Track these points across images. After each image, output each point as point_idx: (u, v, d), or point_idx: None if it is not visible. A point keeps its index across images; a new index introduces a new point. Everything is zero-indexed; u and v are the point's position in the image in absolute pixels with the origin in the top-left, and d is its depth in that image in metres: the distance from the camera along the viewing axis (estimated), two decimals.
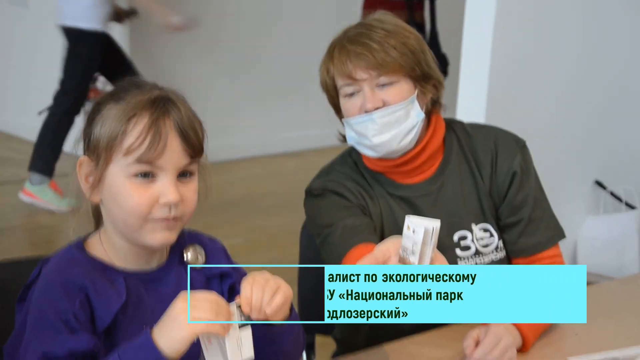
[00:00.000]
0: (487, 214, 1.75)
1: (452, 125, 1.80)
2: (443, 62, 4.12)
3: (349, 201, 1.71)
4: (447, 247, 1.70)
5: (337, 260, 1.63)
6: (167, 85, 1.36)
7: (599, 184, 3.38)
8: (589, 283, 2.71)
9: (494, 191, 1.76)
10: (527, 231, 1.75)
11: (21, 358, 1.25)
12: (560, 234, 1.79)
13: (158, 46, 5.23)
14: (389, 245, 1.35)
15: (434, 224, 1.30)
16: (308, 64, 1.79)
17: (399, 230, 1.72)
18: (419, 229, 1.29)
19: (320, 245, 1.71)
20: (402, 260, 1.32)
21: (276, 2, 5.69)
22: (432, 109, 1.75)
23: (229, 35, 5.53)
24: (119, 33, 5.20)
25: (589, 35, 3.18)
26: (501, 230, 1.77)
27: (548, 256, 1.76)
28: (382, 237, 1.72)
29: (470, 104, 2.94)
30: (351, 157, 1.80)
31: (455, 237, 1.73)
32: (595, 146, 3.33)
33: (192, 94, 1.40)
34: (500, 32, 2.88)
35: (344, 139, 1.78)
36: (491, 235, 1.75)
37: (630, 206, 3.36)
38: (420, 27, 4.17)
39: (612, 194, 3.37)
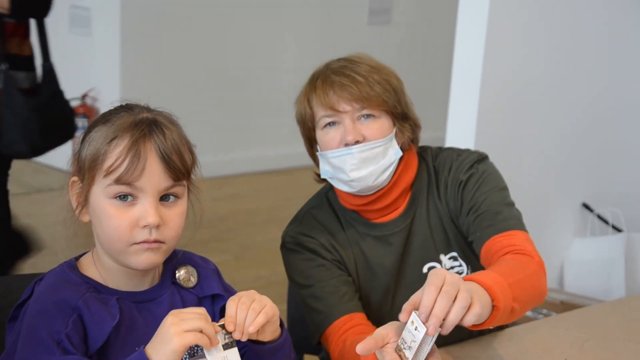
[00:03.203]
0: (452, 243, 1.75)
1: (423, 154, 1.81)
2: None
3: (324, 258, 1.72)
4: (417, 280, 1.70)
5: (322, 329, 1.65)
6: (160, 108, 1.37)
7: (586, 206, 3.40)
8: (576, 306, 2.74)
9: (452, 211, 1.75)
10: (496, 218, 1.67)
11: None
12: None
13: (149, 61, 5.23)
14: (389, 330, 1.36)
15: (424, 329, 1.30)
16: (298, 82, 1.80)
17: (371, 272, 1.74)
18: (421, 330, 1.30)
19: (301, 303, 1.72)
20: (398, 350, 1.33)
21: (266, 22, 5.71)
22: (407, 147, 1.75)
23: (217, 53, 5.54)
24: (110, 49, 5.20)
25: (577, 58, 3.20)
26: (469, 239, 1.73)
27: (523, 238, 1.64)
28: (358, 282, 1.74)
29: (460, 128, 2.95)
30: (327, 197, 1.80)
31: (425, 269, 1.74)
32: (582, 169, 3.35)
33: (180, 111, 1.41)
34: (491, 55, 2.90)
35: (318, 177, 1.78)
36: (460, 264, 1.75)
37: (617, 229, 3.38)
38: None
39: (599, 216, 3.39)
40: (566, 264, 3.33)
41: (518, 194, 1.79)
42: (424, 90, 5.22)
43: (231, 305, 1.27)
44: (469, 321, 1.31)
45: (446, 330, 1.31)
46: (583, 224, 3.40)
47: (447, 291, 1.29)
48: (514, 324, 1.96)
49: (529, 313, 2.85)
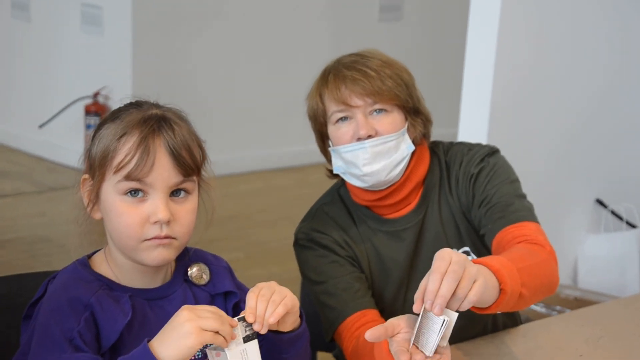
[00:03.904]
0: (464, 237, 1.74)
1: (435, 149, 1.80)
2: None
3: (337, 255, 1.71)
4: None
5: (335, 326, 1.65)
6: (170, 104, 1.37)
7: (600, 202, 3.38)
8: (590, 302, 2.72)
9: (463, 205, 1.74)
10: (507, 210, 1.66)
11: None
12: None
13: (161, 60, 5.24)
14: (401, 320, 1.35)
15: (449, 317, 1.29)
16: (309, 79, 1.79)
17: (384, 268, 1.74)
18: (430, 316, 1.29)
19: (314, 300, 1.72)
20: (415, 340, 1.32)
21: (277, 20, 5.71)
22: (419, 142, 1.75)
23: (229, 51, 5.54)
24: (122, 47, 5.22)
25: (592, 55, 3.19)
26: (481, 232, 1.72)
27: (534, 229, 1.63)
28: (371, 278, 1.73)
29: (472, 124, 2.94)
30: (339, 193, 1.80)
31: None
32: (596, 164, 3.33)
33: (192, 109, 1.41)
34: (503, 52, 2.88)
35: (330, 173, 1.78)
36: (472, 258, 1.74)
37: (631, 225, 3.35)
38: None
39: (613, 212, 3.37)
40: (580, 260, 3.32)
41: (531, 190, 1.78)
42: (436, 87, 5.21)
43: (251, 297, 1.27)
44: (471, 296, 1.30)
45: (453, 307, 1.29)
46: (597, 219, 3.38)
47: (454, 271, 1.28)
48: (527, 320, 1.95)
49: (542, 310, 2.84)
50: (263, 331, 1.26)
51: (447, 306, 1.29)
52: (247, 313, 1.26)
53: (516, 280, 1.42)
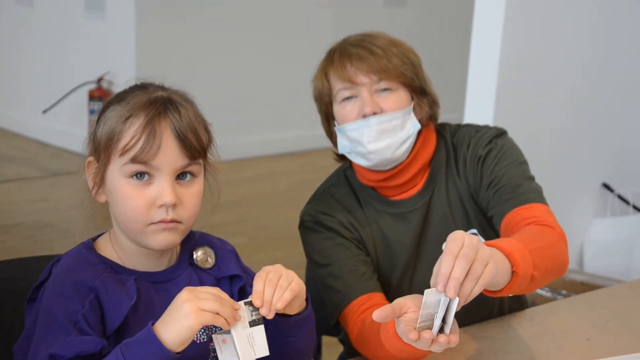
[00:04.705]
0: (472, 220, 1.73)
1: (441, 131, 1.79)
2: None
3: (343, 237, 1.70)
4: (436, 257, 1.67)
5: (340, 309, 1.64)
6: (175, 86, 1.36)
7: (606, 186, 3.36)
8: (597, 287, 2.71)
9: (471, 187, 1.73)
10: (516, 191, 1.65)
11: (31, 358, 1.24)
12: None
13: (165, 44, 5.22)
14: (408, 300, 1.34)
15: (447, 299, 1.28)
16: (313, 64, 1.78)
17: (390, 250, 1.73)
18: (441, 298, 1.28)
19: (319, 282, 1.71)
20: (420, 329, 1.31)
21: (282, 4, 5.68)
22: (425, 123, 1.73)
23: (233, 35, 5.52)
24: (125, 32, 5.20)
25: (598, 38, 3.16)
26: (489, 214, 1.71)
27: (543, 211, 1.62)
28: (377, 261, 1.73)
29: (478, 108, 2.92)
30: (345, 175, 1.79)
31: (444, 246, 1.72)
32: (602, 149, 3.32)
33: (196, 94, 1.40)
34: (509, 35, 2.86)
35: (337, 157, 1.77)
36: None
37: (638, 209, 3.34)
38: None
39: (620, 196, 3.35)
40: (586, 244, 3.31)
41: (537, 174, 1.77)
42: (440, 72, 5.18)
43: (258, 281, 1.26)
44: (483, 279, 1.28)
45: (466, 290, 1.27)
46: (603, 204, 3.37)
47: (466, 254, 1.27)
48: (533, 304, 1.95)
49: (548, 294, 2.83)
50: (270, 316, 1.26)
51: (460, 288, 1.28)
52: (254, 297, 1.25)
53: (528, 262, 1.41)
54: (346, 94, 1.65)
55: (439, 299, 1.28)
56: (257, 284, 1.26)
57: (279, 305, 1.25)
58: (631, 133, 3.38)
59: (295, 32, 5.80)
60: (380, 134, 1.64)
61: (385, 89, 1.65)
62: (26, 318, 1.33)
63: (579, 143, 3.22)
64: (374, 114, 1.64)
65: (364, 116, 1.64)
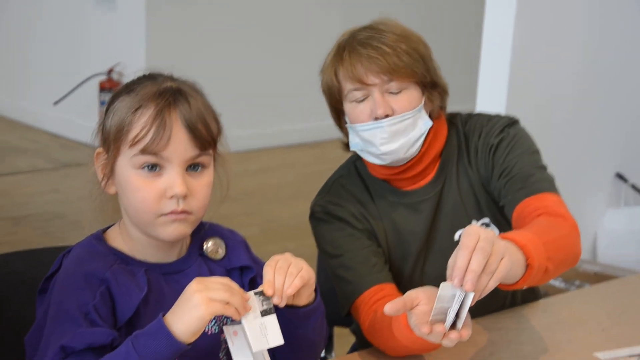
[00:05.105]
0: (484, 209, 1.72)
1: (453, 120, 1.77)
2: None
3: (354, 228, 1.69)
4: (448, 247, 1.67)
5: (352, 300, 1.63)
6: (184, 77, 1.35)
7: (620, 176, 3.34)
8: (610, 277, 2.69)
9: (483, 177, 1.72)
10: (528, 181, 1.64)
11: (42, 351, 1.24)
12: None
13: (175, 35, 5.21)
14: (419, 292, 1.33)
15: (462, 293, 1.27)
16: (322, 52, 1.76)
17: (402, 240, 1.72)
18: (457, 292, 1.27)
19: (331, 273, 1.70)
20: (433, 322, 1.30)
21: None
22: (436, 114, 1.72)
23: (243, 26, 5.51)
24: (135, 23, 5.20)
25: (612, 24, 3.13)
26: (500, 204, 1.69)
27: (555, 201, 1.61)
28: (388, 252, 1.72)
29: (490, 98, 2.90)
30: (355, 166, 1.78)
31: (457, 236, 1.71)
32: (616, 139, 3.30)
33: (206, 85, 1.39)
34: (521, 24, 2.84)
35: (345, 147, 1.76)
36: (491, 229, 1.72)
37: None
38: None
39: (633, 186, 3.33)
40: (599, 235, 3.29)
41: (550, 164, 1.75)
42: (451, 61, 5.15)
43: (268, 270, 1.26)
44: (499, 273, 1.27)
45: (482, 284, 1.26)
46: (616, 194, 3.35)
47: (482, 247, 1.26)
48: (545, 294, 1.93)
49: (561, 284, 2.82)
50: (282, 304, 1.25)
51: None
52: (265, 286, 1.24)
53: (542, 254, 1.40)
54: (358, 94, 1.64)
55: (453, 294, 1.26)
56: (267, 272, 1.26)
57: (289, 291, 1.25)
58: None
59: (306, 22, 5.78)
60: (392, 135, 1.63)
61: (397, 90, 1.63)
62: (37, 309, 1.33)
63: (592, 133, 3.20)
64: (386, 116, 1.63)
65: (376, 118, 1.63)
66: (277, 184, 5.06)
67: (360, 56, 1.63)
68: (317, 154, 5.56)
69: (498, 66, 2.89)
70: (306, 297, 1.31)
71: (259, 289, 1.25)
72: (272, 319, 1.23)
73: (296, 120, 5.85)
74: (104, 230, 1.37)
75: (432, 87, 1.69)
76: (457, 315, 1.28)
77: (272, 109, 5.77)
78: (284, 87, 5.76)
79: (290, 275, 1.25)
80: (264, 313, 1.23)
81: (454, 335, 1.28)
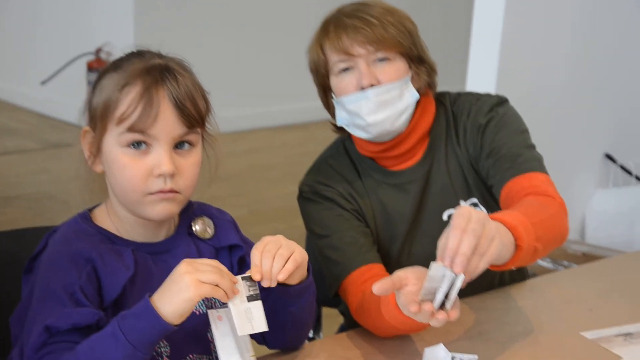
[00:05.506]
0: (472, 189, 1.72)
1: (441, 99, 1.77)
2: None
3: (342, 208, 1.69)
4: (436, 228, 1.67)
5: (340, 280, 1.63)
6: (173, 55, 1.34)
7: (609, 157, 3.35)
8: (598, 257, 2.70)
9: (471, 156, 1.71)
10: (516, 160, 1.64)
11: (27, 330, 1.23)
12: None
13: (164, 15, 5.18)
14: (408, 273, 1.33)
15: (452, 274, 1.26)
16: (313, 33, 1.75)
17: (390, 221, 1.71)
18: (446, 273, 1.26)
19: (318, 254, 1.69)
20: (421, 302, 1.30)
21: None
22: (424, 92, 1.71)
23: (234, 5, 5.47)
24: (123, 2, 5.16)
25: (601, 7, 3.13)
26: (489, 183, 1.69)
27: (543, 180, 1.61)
28: (376, 233, 1.71)
29: (481, 79, 2.90)
30: (344, 146, 1.77)
31: (445, 216, 1.71)
32: (605, 119, 3.30)
33: (197, 65, 1.37)
34: (512, 5, 2.83)
35: (335, 128, 1.75)
36: (480, 209, 1.72)
37: None
38: None
39: (622, 167, 3.34)
40: (588, 215, 3.30)
41: (539, 144, 1.75)
42: (442, 42, 5.15)
43: (255, 254, 1.25)
44: (489, 255, 1.27)
45: (472, 266, 1.26)
46: (605, 174, 3.36)
47: (473, 229, 1.25)
48: (533, 275, 1.94)
49: (550, 265, 2.83)
50: (272, 285, 1.24)
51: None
52: (252, 271, 1.23)
53: (531, 235, 1.40)
54: (343, 65, 1.63)
55: (443, 274, 1.26)
56: (255, 256, 1.25)
57: (280, 277, 1.24)
58: (635, 104, 3.36)
59: (296, 1, 5.74)
60: (378, 105, 1.62)
61: (383, 59, 1.63)
62: (23, 289, 1.32)
63: (582, 113, 3.20)
64: (372, 85, 1.62)
65: (362, 88, 1.62)
66: (266, 164, 5.05)
67: (346, 27, 1.62)
68: (307, 135, 5.55)
69: (488, 48, 2.88)
70: (298, 277, 1.31)
71: (247, 273, 1.24)
72: (258, 304, 1.23)
73: (285, 101, 5.83)
74: (91, 210, 1.36)
75: (419, 62, 1.68)
76: (446, 296, 1.28)
77: (261, 90, 5.75)
78: (273, 68, 5.74)
79: (280, 257, 1.24)
80: (250, 298, 1.22)
81: (441, 315, 1.28)
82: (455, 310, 1.29)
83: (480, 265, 1.27)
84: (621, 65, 3.28)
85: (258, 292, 1.24)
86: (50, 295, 1.23)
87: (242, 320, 1.20)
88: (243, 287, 1.23)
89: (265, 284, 1.24)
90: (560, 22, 3.03)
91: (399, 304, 1.34)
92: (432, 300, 1.29)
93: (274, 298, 1.30)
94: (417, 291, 1.30)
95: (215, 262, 1.21)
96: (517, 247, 1.37)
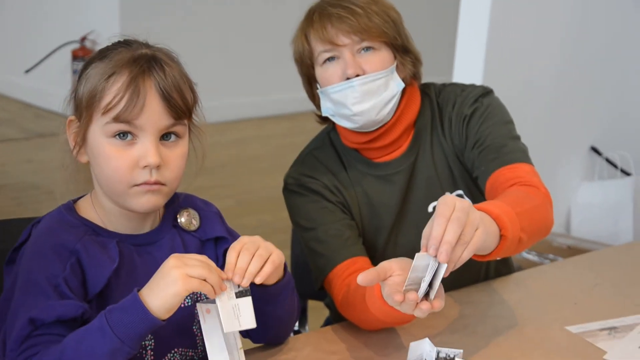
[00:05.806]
0: (458, 180, 1.72)
1: (426, 90, 1.77)
2: None
3: (328, 200, 1.68)
4: (421, 219, 1.67)
5: (325, 273, 1.62)
6: (160, 45, 1.32)
7: (595, 149, 3.36)
8: (584, 251, 2.71)
9: (457, 147, 1.71)
10: (501, 151, 1.64)
11: (10, 323, 1.22)
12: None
13: (149, 4, 5.15)
14: (393, 264, 1.32)
15: (435, 263, 1.25)
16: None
17: (375, 212, 1.71)
18: (431, 262, 1.26)
19: (304, 246, 1.69)
20: (406, 292, 1.29)
21: None
22: (409, 82, 1.71)
23: None
24: None
25: (591, 3, 3.13)
26: (474, 174, 1.69)
27: (528, 171, 1.61)
28: (361, 225, 1.71)
29: (467, 71, 2.90)
30: (329, 137, 1.77)
31: (430, 208, 1.71)
32: (591, 112, 3.31)
33: (184, 55, 1.36)
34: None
35: (320, 119, 1.74)
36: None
37: (626, 172, 3.34)
38: None
39: (608, 160, 3.35)
40: (573, 207, 3.31)
41: (525, 137, 1.75)
42: (429, 33, 5.14)
43: (231, 253, 1.24)
44: (473, 244, 1.27)
45: (456, 255, 1.26)
46: (591, 167, 3.37)
47: (458, 217, 1.25)
48: (519, 268, 1.94)
49: (535, 258, 2.84)
50: (245, 284, 1.23)
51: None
52: (226, 269, 1.22)
53: (516, 225, 1.40)
54: (327, 55, 1.62)
55: (427, 263, 1.26)
56: (230, 256, 1.24)
57: (257, 280, 1.23)
58: (620, 97, 3.37)
59: None
60: (364, 95, 1.62)
61: (368, 48, 1.62)
62: (5, 280, 1.31)
63: (567, 106, 3.21)
64: (357, 75, 1.61)
65: (347, 78, 1.62)
66: (253, 155, 5.04)
67: (330, 16, 1.61)
68: (293, 126, 5.54)
69: (475, 38, 2.88)
70: (275, 277, 1.31)
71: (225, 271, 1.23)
72: (247, 301, 1.22)
73: (272, 91, 5.82)
74: (75, 201, 1.35)
75: (404, 52, 1.68)
76: (430, 285, 1.28)
77: (248, 80, 5.73)
78: (260, 58, 5.72)
79: (259, 257, 1.24)
80: (239, 295, 1.22)
81: (425, 305, 1.28)
82: (438, 300, 1.29)
83: (464, 254, 1.27)
84: (608, 59, 3.28)
85: (248, 288, 1.23)
86: (34, 287, 1.22)
87: (229, 317, 1.20)
88: (232, 284, 1.22)
89: (236, 280, 1.22)
90: (548, 14, 3.03)
91: (384, 295, 1.34)
92: (416, 290, 1.28)
93: (253, 298, 1.29)
94: (402, 281, 1.30)
95: (204, 257, 1.20)
96: (502, 237, 1.37)
